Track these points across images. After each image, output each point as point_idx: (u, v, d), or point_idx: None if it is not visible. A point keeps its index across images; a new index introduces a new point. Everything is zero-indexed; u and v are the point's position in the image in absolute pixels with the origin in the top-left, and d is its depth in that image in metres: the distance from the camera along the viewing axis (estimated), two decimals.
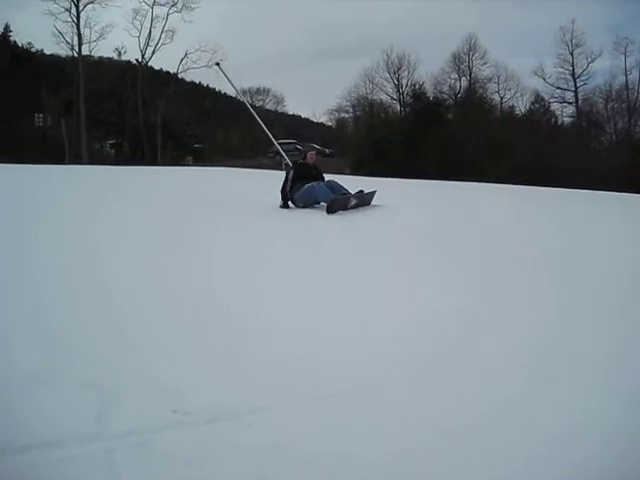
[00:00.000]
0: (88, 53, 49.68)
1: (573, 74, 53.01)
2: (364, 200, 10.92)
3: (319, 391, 3.46)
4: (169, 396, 3.29)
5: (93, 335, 4.15)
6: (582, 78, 53.06)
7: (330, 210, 10.25)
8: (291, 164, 12.13)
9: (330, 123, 61.33)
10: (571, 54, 52.59)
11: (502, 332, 4.41)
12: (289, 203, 11.04)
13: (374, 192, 11.12)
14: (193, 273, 6.01)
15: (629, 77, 51.94)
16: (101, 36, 48.69)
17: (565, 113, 54.60)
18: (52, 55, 50.54)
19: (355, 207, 10.62)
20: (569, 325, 4.65)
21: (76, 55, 48.76)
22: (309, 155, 11.57)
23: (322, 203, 10.69)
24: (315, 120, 64.16)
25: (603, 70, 67.18)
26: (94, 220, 8.62)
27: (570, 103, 53.74)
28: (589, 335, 4.41)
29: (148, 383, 3.45)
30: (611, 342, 4.26)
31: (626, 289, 5.77)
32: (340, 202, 10.48)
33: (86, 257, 6.46)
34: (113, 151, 53.27)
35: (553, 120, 54.66)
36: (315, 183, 10.89)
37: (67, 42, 48.45)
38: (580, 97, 53.36)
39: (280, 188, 11.04)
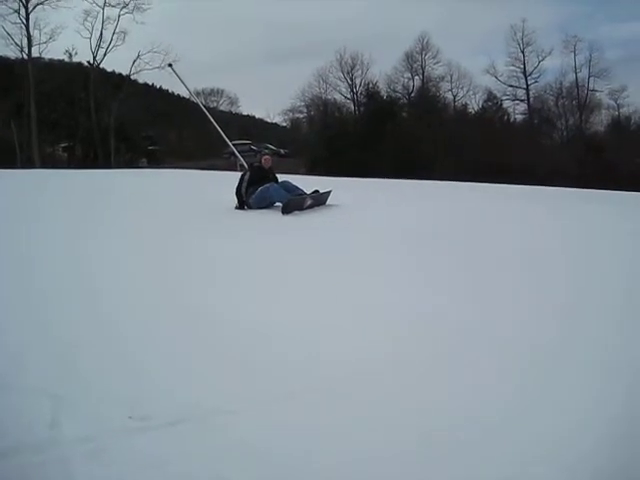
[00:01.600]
0: (38, 55, 48.87)
1: (524, 72, 53.78)
2: (319, 200, 10.95)
3: (283, 392, 3.47)
4: (126, 401, 3.27)
5: (47, 341, 4.10)
6: (533, 76, 53.94)
7: (285, 211, 10.25)
8: (246, 165, 12.09)
9: (284, 123, 61.39)
10: (522, 52, 53.40)
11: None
12: (244, 207, 10.98)
13: (329, 192, 11.15)
14: (149, 275, 5.98)
15: (579, 75, 52.93)
16: (51, 38, 47.86)
17: (517, 110, 55.43)
18: (1, 57, 49.64)
19: (311, 207, 10.63)
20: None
21: (26, 57, 47.95)
22: (264, 159, 11.53)
23: (277, 204, 10.67)
24: (269, 120, 64.12)
25: (554, 68, 68.13)
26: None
27: (522, 100, 54.55)
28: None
29: (104, 389, 3.42)
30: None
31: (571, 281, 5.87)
32: (295, 202, 10.49)
33: (34, 259, 6.42)
34: (66, 154, 52.51)
35: (506, 117, 55.33)
36: (269, 185, 10.87)
37: (16, 44, 47.53)
38: (531, 95, 54.20)
39: (235, 190, 10.98)
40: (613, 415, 3.25)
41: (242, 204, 10.96)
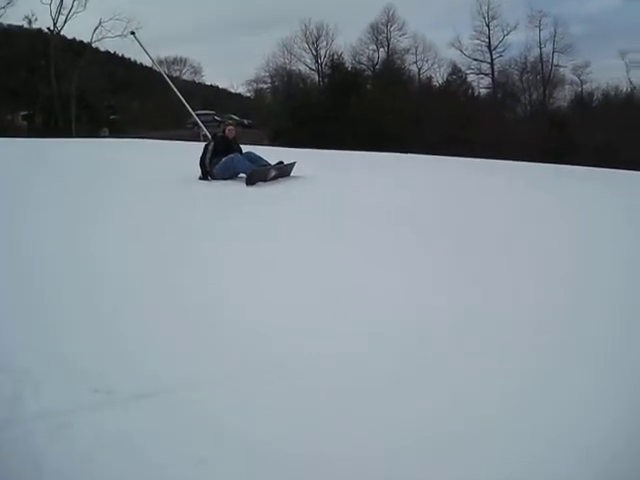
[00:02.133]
0: None
1: (489, 46, 53.99)
2: (283, 171, 10.89)
3: (257, 369, 3.45)
4: (92, 375, 3.24)
5: (6, 316, 4.04)
6: (498, 50, 54.20)
7: (249, 182, 10.19)
8: (209, 135, 11.99)
9: (248, 94, 61.04)
10: (487, 26, 53.58)
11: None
12: (208, 177, 10.89)
13: (294, 163, 11.10)
14: (109, 249, 5.91)
15: (543, 50, 53.29)
16: (9, 3, 47.03)
17: (482, 84, 55.66)
18: None
19: (275, 178, 10.58)
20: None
21: None
22: (228, 129, 11.45)
23: (241, 175, 10.60)
24: (233, 91, 63.78)
25: (518, 42, 68.25)
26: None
27: (486, 74, 54.78)
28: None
29: (67, 363, 3.40)
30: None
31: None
32: (260, 173, 10.43)
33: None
34: (25, 123, 51.63)
35: (470, 91, 55.48)
36: (233, 155, 10.80)
37: None
38: (496, 69, 54.45)
39: (199, 160, 10.88)
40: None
41: (206, 175, 10.87)
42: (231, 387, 3.25)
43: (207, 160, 10.85)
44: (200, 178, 10.87)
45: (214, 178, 10.81)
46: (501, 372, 3.58)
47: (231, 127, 11.67)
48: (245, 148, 11.45)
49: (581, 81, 53.72)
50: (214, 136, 11.57)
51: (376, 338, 3.91)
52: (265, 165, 10.72)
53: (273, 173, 10.63)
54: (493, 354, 3.82)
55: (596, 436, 2.97)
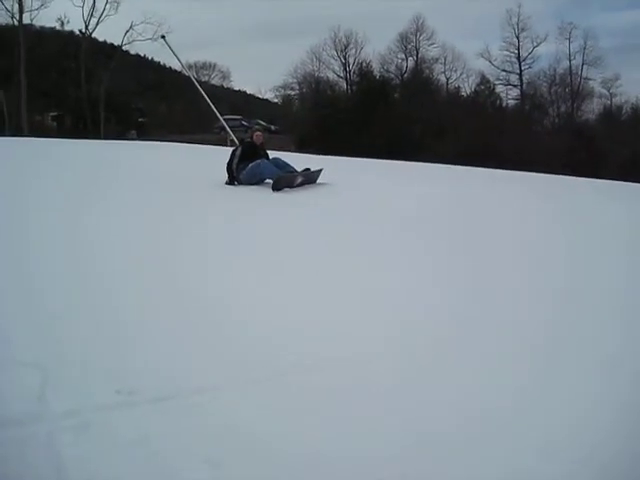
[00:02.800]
0: (29, 22, 48.41)
1: (518, 57, 53.89)
2: (310, 178, 10.90)
3: (271, 374, 3.44)
4: (113, 376, 3.25)
5: (33, 315, 4.08)
6: (527, 62, 54.14)
7: (276, 187, 10.21)
8: (236, 140, 12.04)
9: (276, 100, 61.22)
10: (517, 37, 53.50)
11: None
12: (235, 182, 10.91)
13: (320, 170, 11.10)
14: (141, 255, 5.93)
15: (573, 62, 53.15)
16: (43, 5, 47.47)
17: (510, 95, 55.60)
18: None
19: (301, 185, 10.59)
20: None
21: (17, 24, 47.46)
22: (255, 135, 11.47)
23: (268, 181, 10.63)
24: (261, 96, 64.00)
25: (548, 54, 68.07)
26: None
27: (515, 86, 54.73)
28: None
29: (91, 363, 3.40)
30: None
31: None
32: (286, 179, 10.46)
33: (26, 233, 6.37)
34: (55, 124, 52.12)
35: (498, 102, 55.31)
36: (260, 161, 10.81)
37: (7, 10, 47.15)
38: (525, 80, 54.26)
39: (226, 165, 10.92)
40: (614, 413, 3.22)
41: (232, 179, 10.89)
42: (247, 390, 3.26)
43: (234, 165, 10.85)
44: (227, 183, 10.87)
45: (241, 183, 10.83)
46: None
47: (259, 133, 11.69)
48: (272, 154, 11.46)
49: (610, 94, 53.56)
50: (241, 141, 11.62)
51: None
52: (292, 171, 10.74)
53: (300, 179, 10.64)
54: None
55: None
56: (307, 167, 11.01)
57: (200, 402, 3.08)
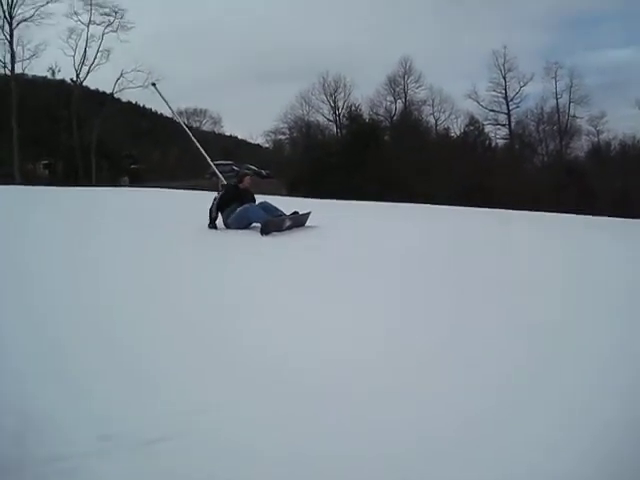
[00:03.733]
0: (21, 71, 48.90)
1: (506, 97, 54.55)
2: (298, 221, 10.93)
3: (246, 414, 3.41)
4: (96, 420, 3.23)
5: (13, 356, 4.07)
6: (515, 101, 54.84)
7: (264, 231, 10.23)
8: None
9: (267, 144, 61.61)
10: (504, 78, 54.24)
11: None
12: (220, 225, 10.98)
13: (309, 213, 11.13)
14: (123, 297, 5.94)
15: (559, 100, 53.83)
16: (35, 54, 48.00)
17: (499, 135, 56.03)
18: None
19: (290, 228, 10.61)
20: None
21: (9, 73, 47.89)
22: (246, 179, 11.56)
23: (255, 224, 10.66)
24: (252, 141, 64.51)
25: (535, 93, 69.24)
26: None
27: (503, 125, 55.22)
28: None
29: (73, 407, 3.38)
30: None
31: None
32: (275, 223, 10.48)
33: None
34: (47, 171, 52.32)
35: (487, 142, 55.79)
36: (248, 205, 10.88)
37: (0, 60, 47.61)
38: (513, 120, 54.87)
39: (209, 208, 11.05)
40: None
41: (214, 223, 10.98)
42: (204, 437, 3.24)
43: (214, 208, 10.98)
44: (209, 227, 10.96)
45: (229, 227, 10.89)
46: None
47: (249, 177, 11.78)
48: (262, 198, 11.51)
49: (597, 131, 54.11)
50: (226, 185, 11.70)
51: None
52: (280, 215, 10.78)
53: (288, 223, 10.66)
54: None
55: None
56: (295, 210, 11.04)
57: (185, 446, 3.05)
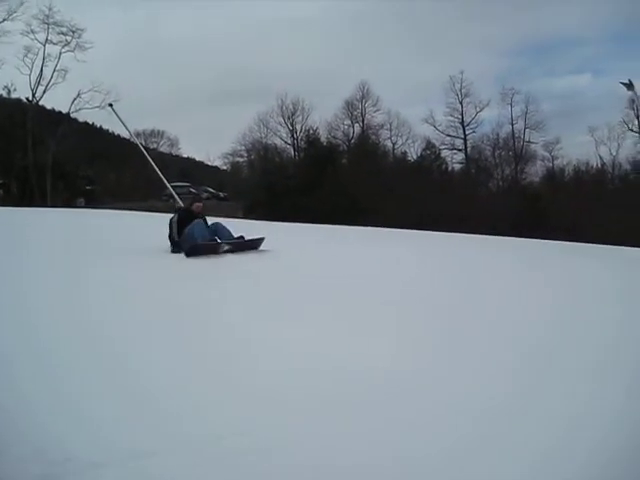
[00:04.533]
0: None
1: (462, 122, 55.15)
2: (243, 246, 10.85)
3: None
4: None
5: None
6: (471, 126, 55.45)
7: (189, 254, 10.25)
8: (183, 207, 12.02)
9: (225, 167, 61.62)
10: (460, 103, 54.85)
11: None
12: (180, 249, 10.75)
13: (262, 239, 11.06)
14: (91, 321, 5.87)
15: (515, 126, 54.54)
16: None
17: (455, 159, 56.61)
18: None
19: (230, 251, 10.58)
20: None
21: None
22: (195, 205, 11.44)
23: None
24: (209, 163, 64.42)
25: (491, 119, 70.15)
26: None
27: (460, 150, 55.80)
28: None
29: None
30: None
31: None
32: (207, 247, 10.52)
33: None
34: (0, 192, 51.63)
35: (444, 166, 56.30)
36: (196, 221, 10.84)
37: None
38: (469, 144, 55.45)
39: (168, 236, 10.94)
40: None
41: (177, 246, 10.77)
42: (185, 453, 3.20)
43: (174, 233, 10.84)
44: (172, 251, 10.79)
45: (181, 249, 10.70)
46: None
47: (199, 204, 11.63)
48: (217, 219, 11.43)
49: (552, 157, 54.95)
50: (177, 210, 11.63)
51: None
52: (213, 240, 10.81)
53: (225, 247, 10.62)
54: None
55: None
56: (241, 235, 11.00)
57: (139, 467, 3.02)
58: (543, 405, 3.92)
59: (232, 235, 10.89)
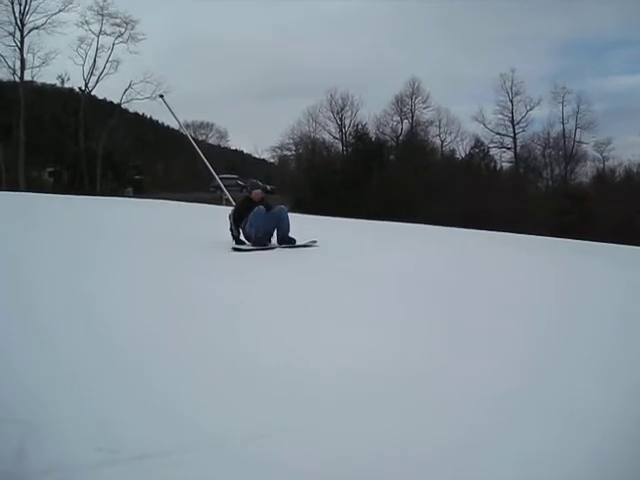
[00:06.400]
0: (30, 79, 49.02)
1: (512, 121, 54.57)
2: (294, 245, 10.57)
3: (250, 431, 3.35)
4: (95, 432, 3.19)
5: (14, 363, 4.05)
6: (521, 125, 54.84)
7: (237, 248, 10.11)
8: (232, 199, 11.90)
9: (272, 160, 61.70)
10: (511, 101, 54.29)
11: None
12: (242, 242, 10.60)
13: (314, 242, 10.76)
14: (134, 310, 5.90)
15: (566, 126, 53.79)
16: (44, 62, 47.94)
17: (504, 158, 56.06)
18: None
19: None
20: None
21: (18, 80, 48.06)
22: (254, 193, 11.06)
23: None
24: (257, 156, 64.50)
25: (541, 118, 69.27)
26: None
27: (509, 149, 55.24)
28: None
29: (73, 418, 3.33)
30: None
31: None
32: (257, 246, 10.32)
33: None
34: (52, 179, 52.40)
35: (492, 165, 55.83)
36: (255, 209, 10.51)
37: (9, 66, 47.71)
38: (518, 143, 54.84)
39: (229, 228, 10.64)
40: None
41: (238, 240, 10.54)
42: (226, 450, 3.20)
43: (233, 226, 10.56)
44: (234, 249, 10.25)
45: (249, 239, 10.55)
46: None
47: (257, 191, 11.20)
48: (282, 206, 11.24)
49: (603, 158, 54.13)
50: (240, 199, 11.39)
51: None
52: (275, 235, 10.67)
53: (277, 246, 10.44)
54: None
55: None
56: (293, 237, 10.66)
57: (182, 460, 3.01)
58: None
59: (289, 228, 10.63)
